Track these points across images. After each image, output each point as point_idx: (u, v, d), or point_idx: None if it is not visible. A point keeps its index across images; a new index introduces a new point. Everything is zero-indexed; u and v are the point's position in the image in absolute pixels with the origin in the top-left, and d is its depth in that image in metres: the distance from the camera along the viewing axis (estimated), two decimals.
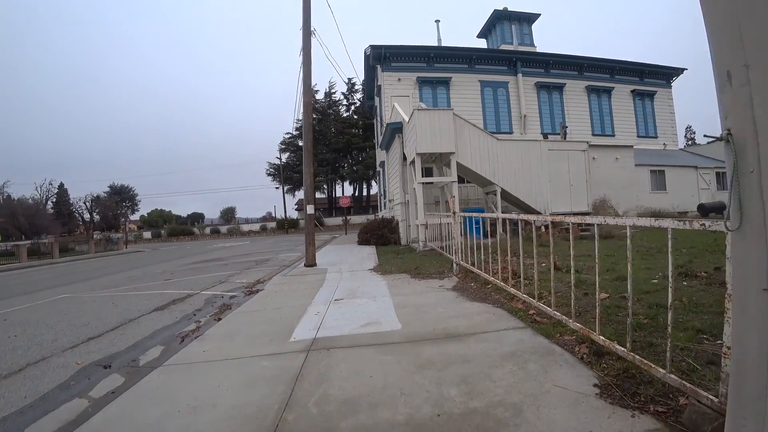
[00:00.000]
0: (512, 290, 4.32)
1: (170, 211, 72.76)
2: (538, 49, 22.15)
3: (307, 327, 4.17)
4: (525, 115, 19.64)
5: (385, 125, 15.42)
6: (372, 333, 3.75)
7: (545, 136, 16.83)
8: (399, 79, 18.08)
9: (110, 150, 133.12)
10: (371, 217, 29.16)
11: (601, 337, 2.70)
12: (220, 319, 5.05)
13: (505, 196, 12.05)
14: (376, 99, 21.28)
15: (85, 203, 57.33)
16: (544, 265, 6.69)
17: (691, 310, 3.61)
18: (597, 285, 2.78)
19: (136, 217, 69.51)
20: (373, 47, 17.60)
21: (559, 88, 20.92)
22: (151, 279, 9.96)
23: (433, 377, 2.66)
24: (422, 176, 11.24)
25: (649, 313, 3.64)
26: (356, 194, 51.49)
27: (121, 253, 25.65)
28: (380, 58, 17.87)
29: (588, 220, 2.82)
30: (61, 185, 61.70)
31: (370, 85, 22.29)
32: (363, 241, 14.50)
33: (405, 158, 12.98)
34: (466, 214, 6.18)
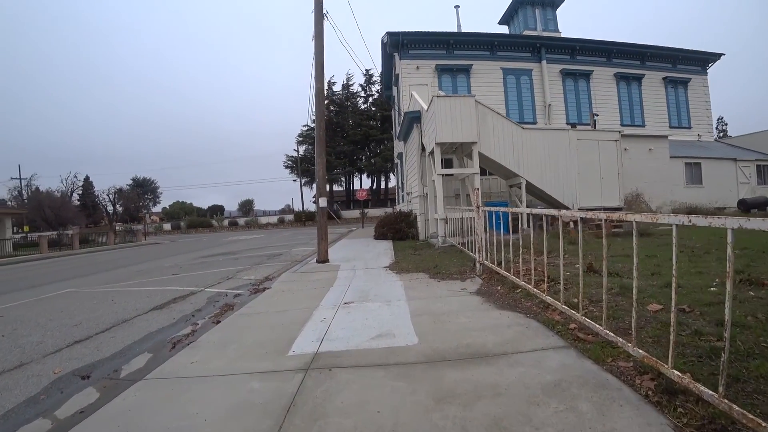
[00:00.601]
0: (548, 299, 3.70)
1: (191, 203, 73.72)
2: (564, 35, 21.06)
3: (309, 337, 3.65)
4: (549, 104, 18.68)
5: (402, 115, 14.78)
6: (383, 348, 3.20)
7: (573, 125, 15.88)
8: (417, 68, 17.36)
9: (135, 145, 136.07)
10: (389, 210, 28.62)
11: (677, 373, 2.07)
12: (219, 322, 4.61)
13: (531, 189, 11.29)
14: (394, 89, 20.60)
15: (108, 195, 58.64)
16: (576, 266, 6.03)
17: None
18: (674, 300, 2.14)
19: (158, 209, 70.73)
20: (390, 34, 16.91)
21: (586, 75, 19.84)
22: (160, 273, 9.66)
23: (457, 417, 2.09)
24: (442, 167, 10.59)
25: (720, 332, 2.98)
26: (374, 187, 51.00)
27: (139, 245, 25.81)
28: (398, 45, 17.17)
29: (662, 218, 2.18)
30: (87, 178, 63.13)
31: (388, 75, 21.60)
32: (379, 235, 13.97)
33: (424, 149, 12.33)
34: (492, 209, 5.55)
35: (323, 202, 9.11)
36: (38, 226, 42.68)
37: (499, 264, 5.36)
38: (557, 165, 11.26)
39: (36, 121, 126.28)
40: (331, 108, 47.25)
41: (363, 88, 49.04)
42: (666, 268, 5.43)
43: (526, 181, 10.93)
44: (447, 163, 12.23)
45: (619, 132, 12.61)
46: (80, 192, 60.56)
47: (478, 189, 6.12)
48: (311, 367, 2.92)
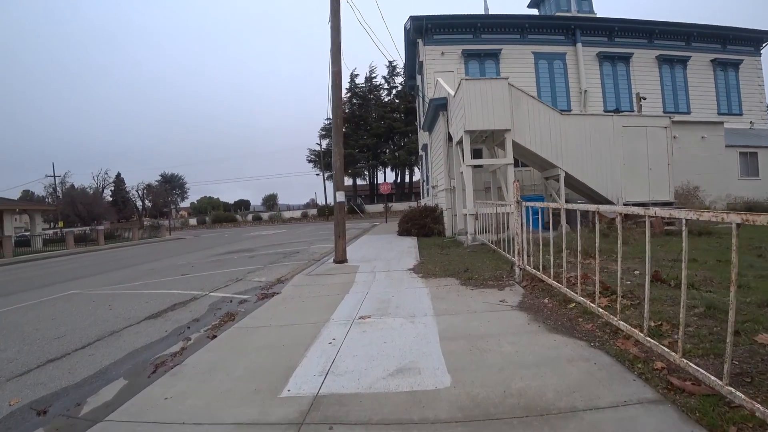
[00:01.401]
0: (624, 326, 2.81)
1: (218, 198, 74.46)
2: (600, 15, 19.56)
3: (312, 367, 2.91)
4: (585, 90, 17.34)
5: (427, 103, 13.88)
6: (405, 393, 2.40)
7: (616, 111, 14.57)
8: (442, 53, 16.36)
9: (164, 142, 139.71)
10: (413, 204, 27.80)
11: None
12: (214, 337, 3.97)
13: (569, 181, 10.21)
14: (418, 78, 19.66)
15: (137, 191, 60.10)
16: (638, 273, 5.09)
17: None
18: None
19: (186, 204, 72.00)
20: (413, 18, 15.98)
21: (626, 58, 18.32)
22: (169, 273, 9.19)
23: None
24: (471, 158, 9.66)
25: None
26: (398, 181, 50.15)
27: (163, 241, 25.87)
28: (421, 30, 16.21)
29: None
30: (118, 175, 64.85)
31: (411, 64, 20.67)
32: (403, 231, 13.19)
33: (450, 139, 11.42)
34: (536, 204, 4.68)
35: (341, 196, 8.38)
36: (72, 221, 44.04)
37: (544, 269, 4.49)
38: (600, 155, 10.13)
39: (73, 122, 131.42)
40: (354, 101, 46.57)
41: (386, 80, 48.10)
42: (751, 277, 4.43)
43: (565, 172, 9.87)
44: (476, 154, 11.27)
45: (670, 117, 11.33)
46: (112, 188, 62.31)
47: (517, 182, 5.24)
48: (306, 421, 2.16)
